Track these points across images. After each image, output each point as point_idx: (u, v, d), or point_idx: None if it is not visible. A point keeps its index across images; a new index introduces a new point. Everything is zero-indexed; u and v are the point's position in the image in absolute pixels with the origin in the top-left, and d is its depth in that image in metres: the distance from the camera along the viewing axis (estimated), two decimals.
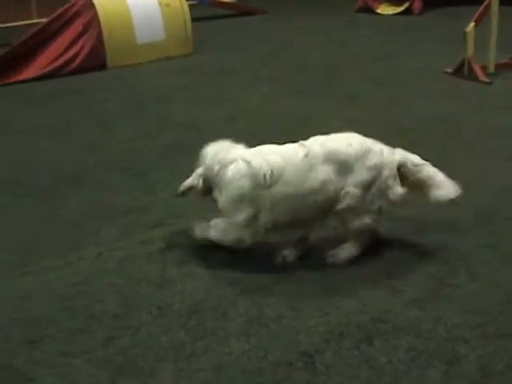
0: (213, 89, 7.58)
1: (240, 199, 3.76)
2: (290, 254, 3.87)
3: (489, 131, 5.93)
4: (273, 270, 3.80)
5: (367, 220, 3.84)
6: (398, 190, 3.87)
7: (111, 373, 3.03)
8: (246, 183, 3.74)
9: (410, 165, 3.95)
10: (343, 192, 3.76)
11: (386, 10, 11.96)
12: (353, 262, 3.85)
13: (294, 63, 8.66)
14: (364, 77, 7.85)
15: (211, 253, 3.96)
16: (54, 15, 8.57)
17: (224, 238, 3.86)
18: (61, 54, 8.41)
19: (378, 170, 3.81)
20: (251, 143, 4.03)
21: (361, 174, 3.77)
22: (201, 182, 3.96)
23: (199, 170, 3.99)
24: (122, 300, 3.56)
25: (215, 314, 3.43)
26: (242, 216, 3.76)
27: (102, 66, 8.52)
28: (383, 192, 3.83)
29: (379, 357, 3.08)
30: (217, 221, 3.87)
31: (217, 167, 3.85)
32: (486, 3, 7.52)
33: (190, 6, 9.40)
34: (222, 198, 3.82)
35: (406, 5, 11.70)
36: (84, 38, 8.50)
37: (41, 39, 8.39)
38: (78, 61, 8.42)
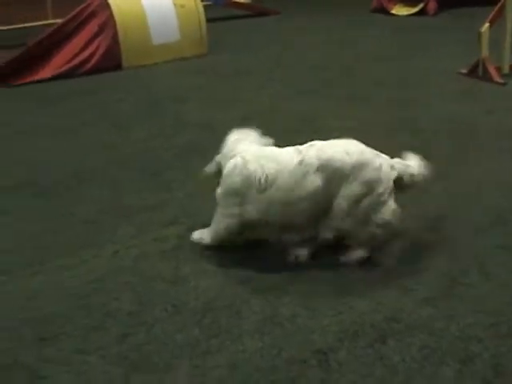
0: (227, 89, 7.61)
1: (232, 194, 3.86)
2: (302, 253, 3.89)
3: (502, 132, 5.92)
4: (286, 269, 3.81)
5: (364, 233, 3.82)
6: (391, 206, 3.82)
7: (126, 369, 3.05)
8: (238, 181, 3.83)
9: (406, 178, 3.94)
10: (335, 203, 3.76)
11: (400, 10, 11.97)
12: (365, 261, 3.86)
13: (306, 63, 8.69)
14: (377, 77, 7.86)
15: (225, 251, 3.99)
16: (69, 16, 8.62)
17: (215, 228, 3.96)
18: (76, 55, 8.47)
19: (371, 185, 3.75)
20: None
21: (353, 188, 3.74)
22: (215, 168, 4.04)
23: (217, 157, 4.06)
24: (136, 297, 3.59)
25: (229, 311, 3.44)
26: (232, 209, 3.86)
27: (118, 67, 8.58)
28: (375, 207, 3.77)
29: (393, 355, 3.09)
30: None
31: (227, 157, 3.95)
32: (500, 4, 7.51)
33: (205, 7, 9.44)
34: (219, 189, 3.93)
35: (421, 5, 11.72)
36: (99, 38, 8.55)
37: (56, 39, 8.44)
38: (93, 61, 8.48)
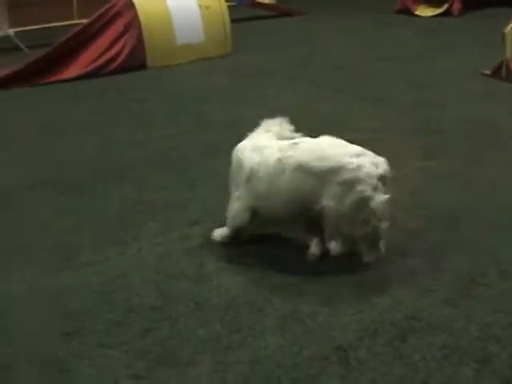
0: (250, 89, 7.66)
1: (232, 178, 4.10)
2: (316, 250, 3.94)
3: None
4: (307, 267, 3.85)
5: (361, 229, 3.82)
6: (379, 198, 3.78)
7: (149, 363, 3.10)
8: (233, 166, 4.08)
9: (388, 181, 3.89)
10: (323, 204, 3.78)
11: (424, 11, 11.95)
12: (385, 261, 3.89)
13: (331, 64, 8.71)
14: (401, 78, 7.88)
15: (247, 249, 4.04)
16: (95, 16, 8.71)
17: (228, 217, 4.10)
18: (101, 54, 8.55)
19: (350, 185, 3.74)
20: None
21: (333, 189, 3.75)
22: None
23: None
24: (160, 294, 3.64)
25: (251, 308, 3.49)
26: (233, 192, 4.07)
27: (142, 66, 8.66)
28: (359, 204, 3.75)
29: (413, 354, 3.12)
30: None
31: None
32: None
33: (229, 8, 9.49)
34: None
35: (445, 6, 11.69)
36: (124, 38, 8.63)
37: (82, 39, 8.53)
38: (118, 61, 8.56)
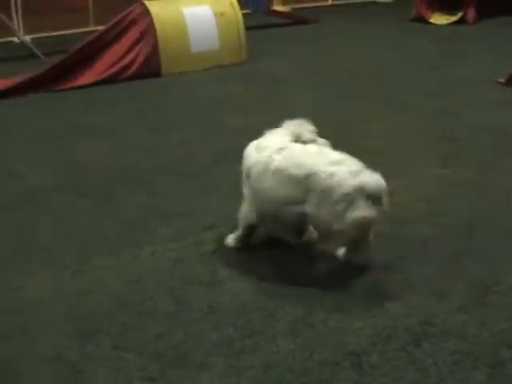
0: (265, 96, 7.69)
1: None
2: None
3: None
4: (319, 273, 3.87)
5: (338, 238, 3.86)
6: (353, 214, 3.65)
7: (162, 366, 3.13)
8: (242, 163, 4.17)
9: (371, 187, 3.72)
10: (302, 212, 3.80)
11: (439, 19, 11.96)
12: (399, 267, 3.90)
13: (345, 71, 8.73)
14: (415, 85, 7.91)
15: (260, 256, 4.07)
16: (110, 23, 8.74)
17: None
18: (117, 61, 8.58)
19: (324, 194, 3.70)
20: None
21: (312, 196, 3.74)
22: None
23: None
24: (173, 298, 3.66)
25: (263, 313, 3.50)
26: (244, 190, 4.12)
27: (157, 74, 8.69)
28: (337, 214, 3.69)
29: (425, 359, 3.13)
30: None
31: None
32: None
33: (244, 15, 9.52)
34: None
35: (460, 14, 11.70)
36: (140, 45, 8.66)
37: (97, 46, 8.57)
38: (133, 68, 8.60)
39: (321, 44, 10.60)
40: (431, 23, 11.88)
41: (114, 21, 8.75)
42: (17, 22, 11.63)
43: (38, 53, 9.98)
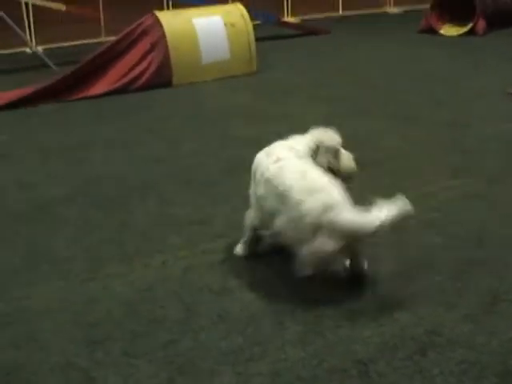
0: (275, 106, 7.73)
1: None
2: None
3: None
4: (329, 282, 3.88)
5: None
6: (309, 247, 3.61)
7: (171, 373, 3.15)
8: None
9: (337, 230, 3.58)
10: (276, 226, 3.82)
11: (449, 31, 12.00)
12: (408, 276, 3.91)
13: (355, 82, 8.77)
14: (426, 96, 7.93)
15: (269, 264, 4.09)
16: (122, 34, 8.83)
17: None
18: (128, 72, 8.66)
19: (292, 217, 3.68)
20: None
21: (282, 211, 3.75)
22: None
23: None
24: (183, 306, 3.69)
25: (272, 322, 3.52)
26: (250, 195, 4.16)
27: (168, 84, 8.75)
28: (300, 241, 3.67)
29: (432, 368, 3.14)
30: None
31: None
32: None
33: (254, 26, 9.57)
34: None
35: (470, 25, 11.72)
36: (151, 55, 8.74)
37: (109, 57, 8.65)
38: (144, 78, 8.67)
39: (331, 55, 10.65)
40: (441, 34, 11.92)
41: (125, 31, 8.83)
42: (29, 33, 11.75)
43: (50, 63, 10.07)
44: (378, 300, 3.70)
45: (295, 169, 3.84)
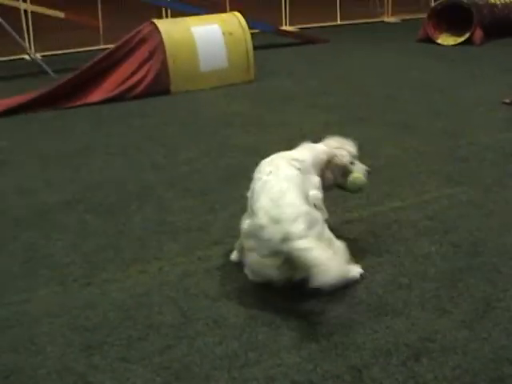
0: (273, 115, 7.78)
1: None
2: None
3: None
4: (324, 288, 3.91)
5: None
6: (251, 265, 3.82)
7: (168, 378, 3.18)
8: None
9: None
10: None
11: (446, 40, 12.07)
12: (403, 283, 3.95)
13: (353, 91, 8.83)
14: (423, 105, 7.98)
15: None
16: (120, 41, 8.89)
17: None
18: (126, 79, 8.71)
19: (253, 238, 3.78)
20: None
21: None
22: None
23: None
24: (179, 312, 3.72)
25: (268, 328, 3.55)
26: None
27: (166, 91, 8.80)
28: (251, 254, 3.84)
29: (425, 374, 3.17)
30: None
31: None
32: None
33: (252, 35, 9.63)
34: None
35: (467, 35, 11.79)
36: (149, 63, 8.78)
37: (108, 64, 8.70)
38: (142, 86, 8.71)
39: (329, 64, 10.71)
40: (439, 44, 11.99)
41: (123, 39, 8.88)
42: (28, 40, 11.80)
43: (49, 70, 10.12)
44: (372, 306, 3.73)
45: (274, 189, 3.83)
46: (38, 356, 3.38)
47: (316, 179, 4.15)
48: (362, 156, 6.00)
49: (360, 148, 6.28)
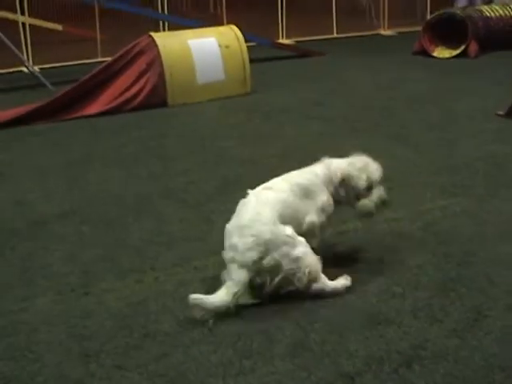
0: (269, 127, 7.84)
1: None
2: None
3: None
4: (318, 297, 3.96)
5: None
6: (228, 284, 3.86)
7: None
8: None
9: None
10: None
11: (442, 53, 12.15)
12: (396, 292, 4.00)
13: (348, 103, 8.90)
14: (417, 118, 8.04)
15: None
16: (118, 54, 8.93)
17: None
18: (124, 91, 8.75)
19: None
20: None
21: None
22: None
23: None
24: (175, 320, 3.77)
25: (262, 336, 3.60)
26: None
27: (163, 104, 8.85)
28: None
29: (417, 381, 3.22)
30: None
31: None
32: None
33: (249, 48, 9.70)
34: None
35: (462, 48, 11.87)
36: (146, 76, 8.83)
37: (105, 77, 8.75)
38: (139, 98, 8.76)
39: (325, 76, 10.78)
40: (434, 57, 12.07)
41: (121, 52, 8.94)
42: (26, 53, 11.87)
43: (47, 83, 10.17)
44: (365, 315, 3.78)
45: (249, 210, 3.98)
46: (36, 364, 3.43)
47: (322, 199, 4.18)
48: None
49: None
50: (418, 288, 4.06)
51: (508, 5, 12.89)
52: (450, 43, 12.16)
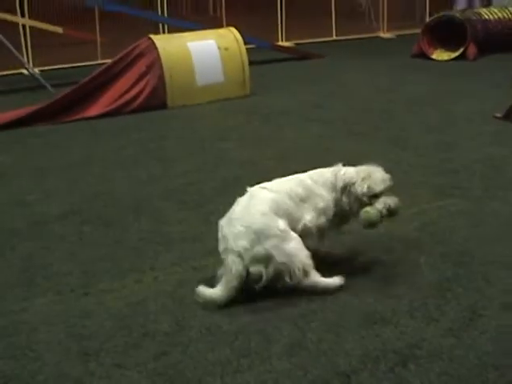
0: (268, 129, 7.88)
1: None
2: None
3: None
4: (315, 297, 4.00)
5: None
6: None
7: (162, 383, 3.28)
8: None
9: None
10: None
11: (441, 55, 12.18)
12: (392, 292, 4.04)
13: (347, 106, 8.93)
14: (416, 120, 8.08)
15: None
16: (118, 56, 8.96)
17: None
18: (124, 93, 8.78)
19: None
20: None
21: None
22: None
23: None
24: (174, 320, 3.81)
25: (260, 335, 3.64)
26: None
27: (163, 106, 8.89)
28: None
29: (413, 379, 3.26)
30: None
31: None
32: None
33: (248, 50, 9.74)
34: None
35: (461, 50, 11.91)
36: (146, 78, 8.86)
37: (105, 79, 8.78)
38: (139, 100, 8.79)
39: (324, 79, 10.82)
40: (433, 59, 12.11)
41: (121, 54, 8.97)
42: (26, 55, 11.91)
43: (47, 85, 10.21)
44: (362, 314, 3.82)
45: (241, 204, 4.12)
46: (36, 363, 3.47)
47: (322, 202, 4.24)
48: None
49: (353, 161, 6.41)
50: (414, 287, 4.10)
51: (506, 7, 12.94)
52: (448, 46, 12.20)
